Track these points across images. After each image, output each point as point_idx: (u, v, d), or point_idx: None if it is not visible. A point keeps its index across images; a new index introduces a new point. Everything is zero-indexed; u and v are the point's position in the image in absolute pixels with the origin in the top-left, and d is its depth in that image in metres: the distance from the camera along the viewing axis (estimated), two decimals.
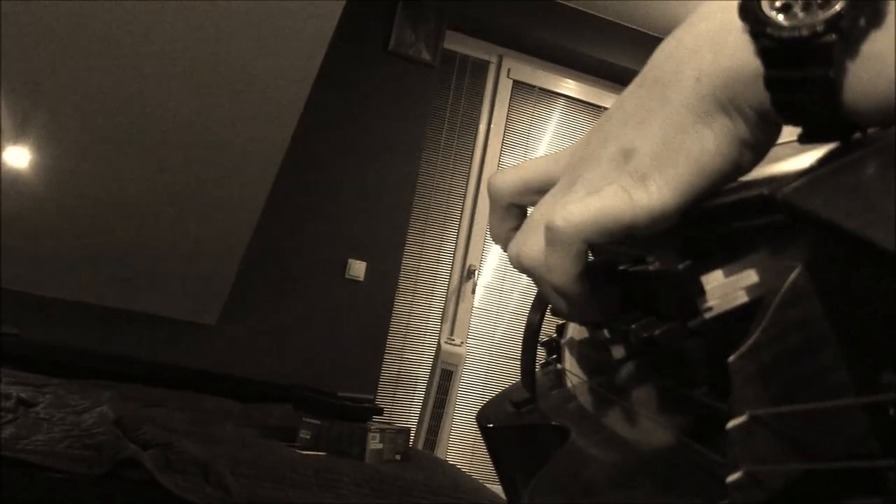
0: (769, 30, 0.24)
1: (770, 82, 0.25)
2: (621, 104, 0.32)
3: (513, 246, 0.36)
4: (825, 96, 0.24)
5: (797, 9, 0.24)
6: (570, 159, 0.35)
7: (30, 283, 2.99)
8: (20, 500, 1.40)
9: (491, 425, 0.48)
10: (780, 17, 0.24)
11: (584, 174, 0.32)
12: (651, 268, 0.28)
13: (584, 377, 0.45)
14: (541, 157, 0.37)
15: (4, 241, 2.75)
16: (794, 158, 0.25)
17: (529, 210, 0.38)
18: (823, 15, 0.23)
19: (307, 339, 3.45)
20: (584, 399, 0.43)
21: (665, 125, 0.29)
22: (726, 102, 0.27)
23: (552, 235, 0.31)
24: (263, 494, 1.48)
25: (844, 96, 0.23)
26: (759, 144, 0.28)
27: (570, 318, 0.37)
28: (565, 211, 0.31)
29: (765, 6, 0.25)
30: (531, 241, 0.34)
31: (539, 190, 0.36)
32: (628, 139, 0.30)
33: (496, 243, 0.41)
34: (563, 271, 0.31)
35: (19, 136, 2.58)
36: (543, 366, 0.54)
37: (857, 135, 0.24)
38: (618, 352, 0.34)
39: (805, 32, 0.23)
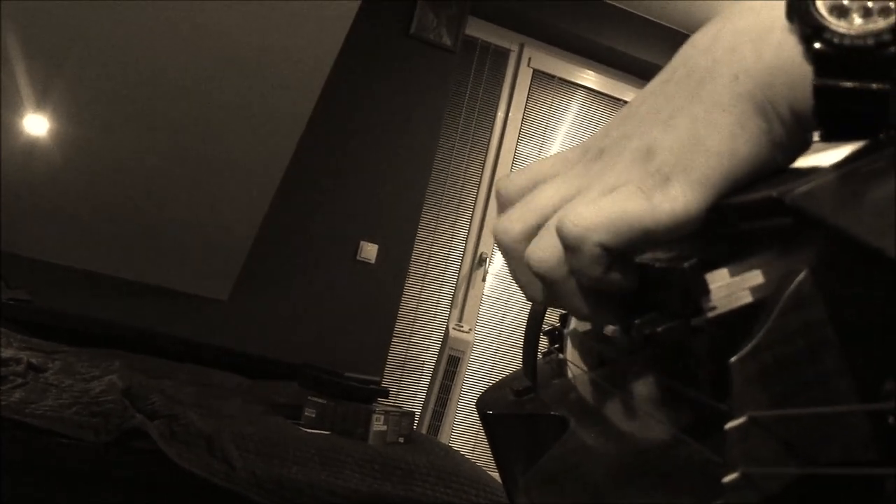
0: (827, 35, 0.22)
1: (820, 90, 0.23)
2: (645, 98, 0.30)
3: (516, 246, 0.33)
4: (876, 110, 0.22)
5: (856, 13, 0.22)
6: (585, 151, 0.32)
7: (45, 252, 3.02)
8: (26, 463, 1.42)
9: (490, 412, 0.48)
10: (838, 22, 0.22)
11: (601, 171, 0.30)
12: (657, 264, 0.28)
13: (585, 368, 0.45)
14: (551, 156, 0.35)
15: (21, 208, 2.78)
16: (809, 158, 0.25)
17: None
18: (885, 23, 0.22)
19: (316, 318, 3.46)
20: (585, 390, 0.43)
21: (695, 124, 0.27)
22: (765, 104, 0.25)
23: (566, 240, 0.29)
24: (267, 470, 1.50)
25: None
26: (792, 149, 0.26)
27: (587, 320, 0.36)
28: (575, 213, 0.28)
29: (820, 6, 0.23)
30: (543, 242, 0.31)
31: None
32: (652, 136, 0.28)
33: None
34: (585, 277, 0.29)
35: (39, 104, 2.59)
36: (545, 355, 0.54)
37: (882, 135, 0.23)
38: (621, 346, 0.34)
39: (870, 41, 0.22)
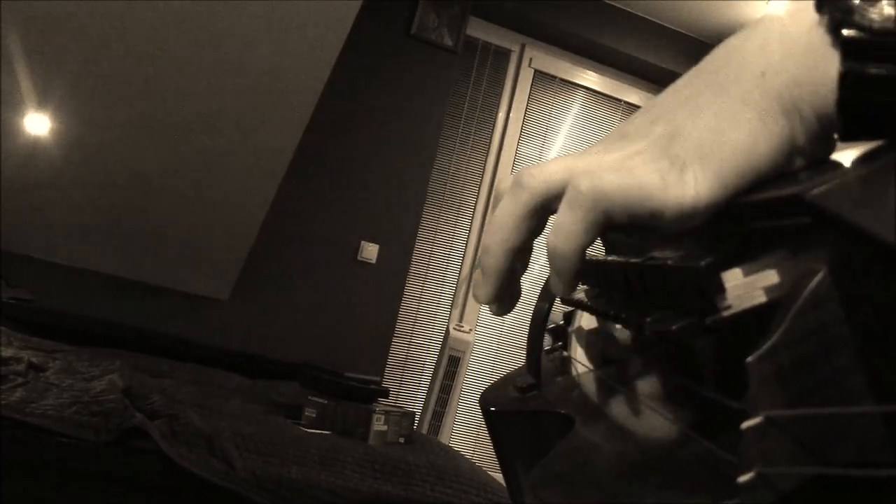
0: (857, 18, 0.23)
1: (846, 76, 0.23)
2: (675, 90, 0.31)
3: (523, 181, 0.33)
4: None
5: (886, 1, 0.22)
6: (609, 136, 0.33)
7: (46, 251, 3.02)
8: (26, 463, 1.42)
9: (493, 409, 0.48)
10: (869, 8, 0.23)
11: (626, 147, 0.30)
12: (670, 262, 0.27)
13: (591, 366, 0.45)
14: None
15: (21, 208, 2.77)
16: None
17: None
18: None
19: (317, 318, 3.46)
20: (590, 388, 0.42)
21: (719, 116, 0.27)
22: (789, 103, 0.25)
23: (574, 196, 0.29)
24: (266, 470, 1.49)
25: None
26: (810, 155, 0.26)
27: (553, 288, 0.36)
28: (594, 174, 0.29)
29: None
30: (554, 180, 0.31)
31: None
32: (678, 122, 0.29)
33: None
34: (571, 237, 0.29)
35: (41, 103, 2.59)
36: (548, 352, 0.54)
37: None
38: (628, 344, 0.34)
39: None
